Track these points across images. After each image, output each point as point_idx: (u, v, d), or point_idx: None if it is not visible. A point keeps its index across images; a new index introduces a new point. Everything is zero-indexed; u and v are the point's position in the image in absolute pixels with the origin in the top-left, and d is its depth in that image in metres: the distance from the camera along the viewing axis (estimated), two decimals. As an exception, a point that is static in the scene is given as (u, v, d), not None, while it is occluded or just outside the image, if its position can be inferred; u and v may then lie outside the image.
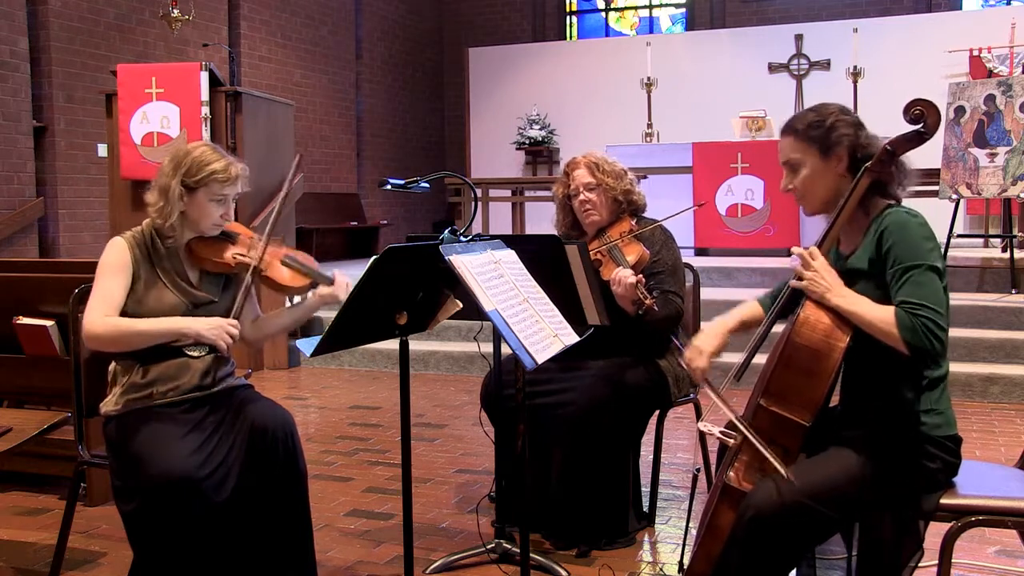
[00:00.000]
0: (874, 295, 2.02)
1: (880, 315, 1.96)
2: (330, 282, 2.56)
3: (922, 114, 2.06)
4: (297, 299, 2.77)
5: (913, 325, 1.91)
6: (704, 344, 2.29)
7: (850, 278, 2.08)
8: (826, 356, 2.01)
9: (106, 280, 2.40)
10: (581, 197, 3.12)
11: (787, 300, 2.19)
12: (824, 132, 2.12)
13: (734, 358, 2.25)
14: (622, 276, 2.81)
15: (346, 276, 2.57)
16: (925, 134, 2.06)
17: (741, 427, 2.07)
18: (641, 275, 2.83)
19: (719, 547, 2.08)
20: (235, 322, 2.42)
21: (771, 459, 1.98)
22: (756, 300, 2.44)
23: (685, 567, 2.24)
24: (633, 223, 3.11)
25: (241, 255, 2.50)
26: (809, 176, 2.14)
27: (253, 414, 2.42)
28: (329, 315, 2.64)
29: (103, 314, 2.36)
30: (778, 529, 1.96)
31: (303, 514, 2.46)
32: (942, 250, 2.11)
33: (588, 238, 3.16)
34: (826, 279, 2.03)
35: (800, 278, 2.07)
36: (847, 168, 2.12)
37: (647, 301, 2.76)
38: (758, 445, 2.01)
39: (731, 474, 2.11)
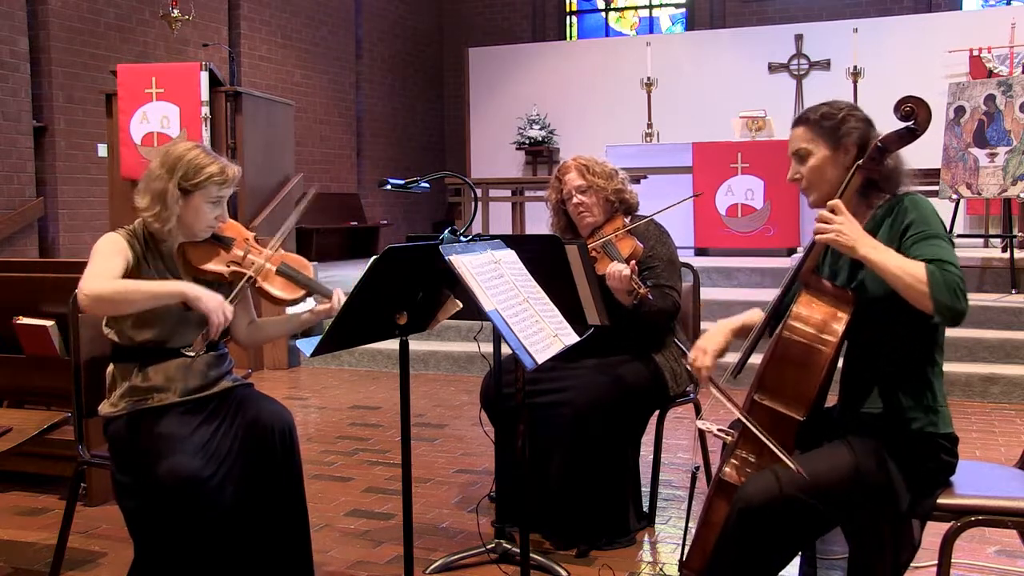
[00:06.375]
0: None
1: (910, 269, 1.92)
2: (327, 295, 2.50)
3: (912, 111, 2.07)
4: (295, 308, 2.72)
5: (945, 280, 1.89)
6: (708, 344, 2.28)
7: (859, 265, 2.07)
8: (818, 351, 2.02)
9: (105, 257, 2.33)
10: (575, 200, 3.12)
11: (790, 282, 2.19)
12: (835, 124, 2.14)
13: (732, 357, 2.26)
14: (616, 269, 2.81)
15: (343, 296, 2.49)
16: (916, 130, 2.08)
17: (747, 423, 2.07)
18: (634, 263, 2.83)
19: (714, 541, 2.08)
20: (231, 309, 2.35)
21: (778, 452, 1.98)
22: (761, 310, 2.44)
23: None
24: (626, 220, 3.12)
25: (236, 265, 2.46)
26: (816, 166, 2.15)
27: (252, 411, 2.43)
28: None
29: (103, 278, 2.28)
30: (768, 521, 1.96)
31: (301, 511, 2.47)
32: None
33: (583, 238, 3.17)
34: (853, 231, 1.99)
35: (822, 234, 2.02)
36: (854, 161, 2.13)
37: (641, 290, 2.76)
38: (764, 439, 2.01)
39: (727, 469, 2.13)
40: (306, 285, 2.51)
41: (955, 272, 1.90)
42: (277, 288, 2.49)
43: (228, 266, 2.46)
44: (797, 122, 2.20)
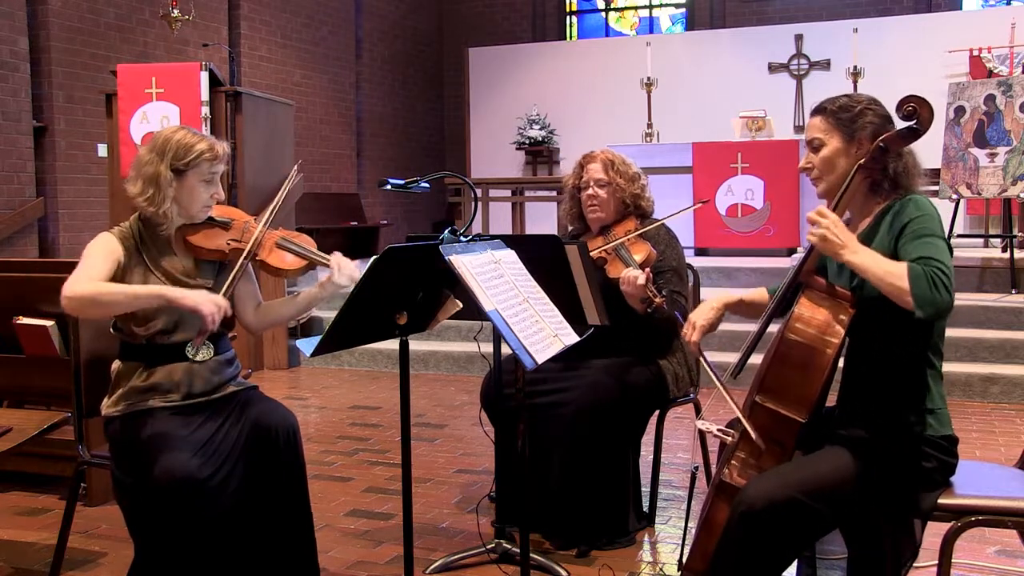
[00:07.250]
0: None
1: (891, 268, 1.92)
2: (326, 262, 2.48)
3: (915, 110, 2.07)
4: (296, 289, 2.72)
5: (923, 272, 1.88)
6: (698, 318, 2.37)
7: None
8: (820, 352, 2.02)
9: (92, 259, 2.34)
10: (589, 192, 3.13)
11: (790, 283, 2.19)
12: (852, 116, 2.14)
13: (732, 358, 2.26)
14: (632, 276, 2.81)
15: (349, 265, 2.46)
16: (918, 130, 2.08)
17: (738, 414, 2.08)
18: (649, 271, 2.84)
19: (715, 543, 2.08)
20: (225, 300, 2.31)
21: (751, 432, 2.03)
22: (766, 288, 2.47)
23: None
24: (637, 222, 3.12)
25: (235, 241, 2.47)
26: (828, 157, 2.16)
27: (256, 413, 2.43)
28: (329, 315, 2.62)
29: (85, 281, 2.27)
30: (769, 524, 1.96)
31: (305, 513, 2.47)
32: None
33: (591, 235, 3.17)
34: (840, 235, 1.99)
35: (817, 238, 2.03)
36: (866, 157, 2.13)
37: (657, 300, 2.76)
38: (749, 429, 2.03)
39: (727, 470, 2.13)
40: (307, 256, 2.52)
41: (938, 266, 1.89)
42: (277, 260, 2.49)
43: (228, 244, 2.47)
44: (815, 111, 2.21)
